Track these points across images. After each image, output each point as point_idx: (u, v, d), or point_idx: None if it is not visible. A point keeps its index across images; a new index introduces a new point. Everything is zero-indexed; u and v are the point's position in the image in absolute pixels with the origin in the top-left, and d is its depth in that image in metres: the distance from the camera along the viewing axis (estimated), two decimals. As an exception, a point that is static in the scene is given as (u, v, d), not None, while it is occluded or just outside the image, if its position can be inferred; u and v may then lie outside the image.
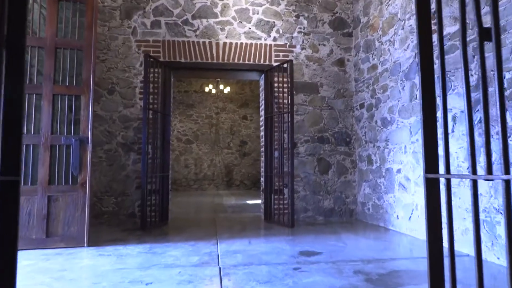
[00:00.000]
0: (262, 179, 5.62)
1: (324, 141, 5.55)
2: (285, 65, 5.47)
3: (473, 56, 3.11)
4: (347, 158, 5.57)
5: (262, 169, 5.67)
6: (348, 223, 5.09)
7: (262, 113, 5.65)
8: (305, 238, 4.04)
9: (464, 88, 1.08)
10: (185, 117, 14.12)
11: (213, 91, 12.76)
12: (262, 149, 5.67)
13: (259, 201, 8.71)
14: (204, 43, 5.42)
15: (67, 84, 3.70)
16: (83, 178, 3.65)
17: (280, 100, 5.41)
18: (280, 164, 5.12)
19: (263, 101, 5.59)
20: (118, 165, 5.13)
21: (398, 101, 4.36)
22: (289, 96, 5.08)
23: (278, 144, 5.22)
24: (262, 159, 5.66)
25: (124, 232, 4.45)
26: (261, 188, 5.64)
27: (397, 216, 4.35)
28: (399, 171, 4.33)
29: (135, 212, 5.09)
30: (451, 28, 3.48)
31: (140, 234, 4.31)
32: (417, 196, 3.95)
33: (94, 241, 3.93)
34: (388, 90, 4.61)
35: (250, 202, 8.68)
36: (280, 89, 5.42)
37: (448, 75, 3.50)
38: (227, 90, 12.76)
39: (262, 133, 5.68)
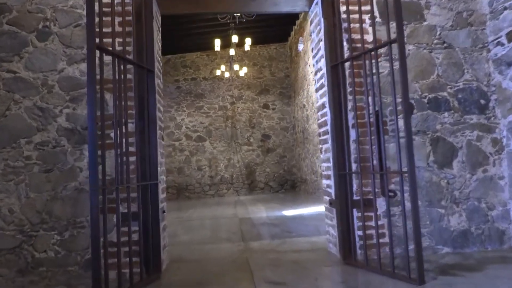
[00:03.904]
0: (328, 182, 3.11)
1: (440, 106, 3.02)
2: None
3: None
4: (484, 135, 3.02)
5: (325, 165, 3.17)
6: (516, 262, 2.55)
7: (321, 64, 3.14)
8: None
9: None
10: (194, 110, 11.74)
11: (226, 74, 10.33)
12: (323, 129, 3.17)
13: (300, 212, 6.19)
14: None
15: None
16: None
17: (357, 37, 2.89)
18: (381, 152, 2.59)
19: (321, 42, 3.08)
20: (61, 170, 2.71)
21: None
22: (395, 13, 2.52)
23: (367, 115, 2.70)
24: (325, 146, 3.16)
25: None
26: (327, 198, 3.14)
27: None
28: None
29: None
30: None
31: (86, 326, 1.86)
32: None
33: None
34: None
35: (287, 213, 6.18)
36: (354, 16, 2.90)
37: None
38: (243, 72, 10.30)
39: (322, 100, 3.17)
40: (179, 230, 4.94)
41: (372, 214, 2.77)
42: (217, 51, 8.83)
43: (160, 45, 3.27)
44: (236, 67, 9.92)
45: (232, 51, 8.52)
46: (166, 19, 8.54)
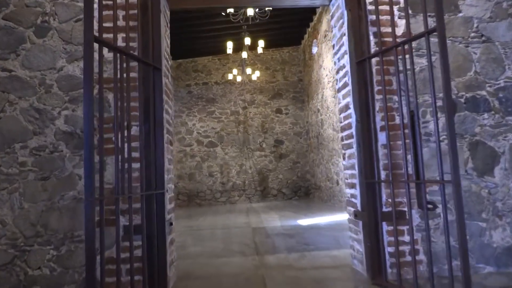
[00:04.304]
0: (352, 191, 2.81)
1: (479, 106, 2.69)
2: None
3: None
4: (530, 139, 2.68)
5: (349, 172, 2.87)
6: None
7: (344, 61, 2.85)
8: None
9: None
10: (205, 115, 11.53)
11: (238, 78, 10.09)
12: (347, 132, 2.88)
13: (316, 221, 5.86)
14: None
15: None
16: None
17: (386, 30, 2.60)
18: (417, 158, 2.28)
19: (344, 37, 2.80)
20: (58, 177, 2.47)
21: None
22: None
23: (400, 116, 2.41)
24: (348, 151, 2.86)
25: None
26: (352, 209, 2.82)
27: None
28: None
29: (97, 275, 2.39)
30: None
31: None
32: None
33: None
34: None
35: (303, 222, 5.86)
36: (382, 7, 2.62)
37: None
38: (255, 76, 10.06)
39: (345, 101, 2.87)
40: (189, 240, 4.67)
41: (403, 228, 2.47)
42: (229, 54, 8.61)
43: (168, 42, 3.03)
44: (248, 70, 9.68)
45: (244, 54, 8.27)
46: (177, 22, 8.36)
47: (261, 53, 10.33)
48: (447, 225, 1.98)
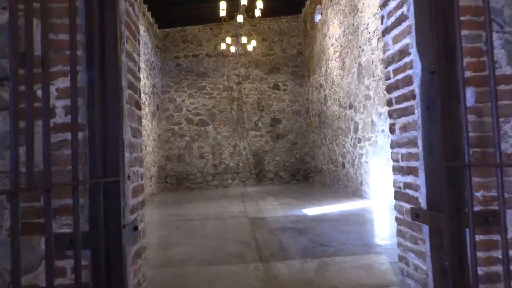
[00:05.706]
0: (408, 179, 1.88)
1: None
2: None
3: None
4: None
5: (403, 151, 1.94)
6: None
7: (399, -17, 1.88)
8: None
9: None
10: (196, 91, 10.48)
11: (232, 49, 9.02)
12: (400, 91, 1.93)
13: (325, 210, 4.96)
14: None
15: None
16: None
17: None
18: None
19: None
20: None
21: None
22: None
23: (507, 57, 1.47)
24: (402, 120, 1.92)
25: None
26: (407, 206, 1.90)
27: None
28: None
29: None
30: None
31: None
32: None
33: None
34: None
35: (309, 212, 4.97)
36: None
37: None
38: (251, 46, 8.98)
39: (401, 44, 1.91)
40: (174, 236, 3.76)
41: (498, 237, 1.57)
42: (222, 19, 7.48)
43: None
44: (244, 39, 8.61)
45: (240, 18, 7.18)
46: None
47: (257, 20, 9.26)
48: None
